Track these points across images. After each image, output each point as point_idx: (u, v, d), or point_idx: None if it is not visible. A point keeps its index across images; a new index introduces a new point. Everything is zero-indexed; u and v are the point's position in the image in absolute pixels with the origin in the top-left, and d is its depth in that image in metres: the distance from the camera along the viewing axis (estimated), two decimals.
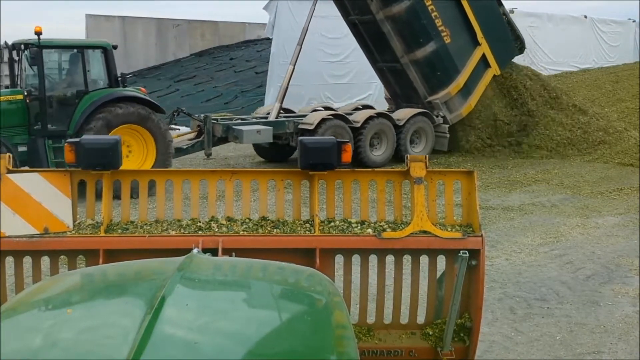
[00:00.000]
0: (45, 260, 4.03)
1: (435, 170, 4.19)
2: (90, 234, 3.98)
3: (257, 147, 15.27)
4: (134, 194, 4.29)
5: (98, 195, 4.13)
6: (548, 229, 9.68)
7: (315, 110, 15.16)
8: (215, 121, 13.69)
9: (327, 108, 15.62)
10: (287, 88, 14.71)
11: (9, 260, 4.00)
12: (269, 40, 21.77)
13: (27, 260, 4.03)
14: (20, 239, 3.86)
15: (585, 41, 30.26)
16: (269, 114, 14.78)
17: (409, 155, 4.19)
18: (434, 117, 15.27)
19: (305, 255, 3.86)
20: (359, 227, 4.12)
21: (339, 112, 14.70)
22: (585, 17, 30.65)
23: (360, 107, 16.16)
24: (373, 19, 14.77)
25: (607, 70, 27.73)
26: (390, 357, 4.12)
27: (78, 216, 4.11)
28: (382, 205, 4.25)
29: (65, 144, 3.95)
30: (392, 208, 4.37)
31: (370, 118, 14.45)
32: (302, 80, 19.81)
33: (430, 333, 4.12)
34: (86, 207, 4.14)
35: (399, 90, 16.32)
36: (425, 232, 3.98)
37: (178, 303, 2.20)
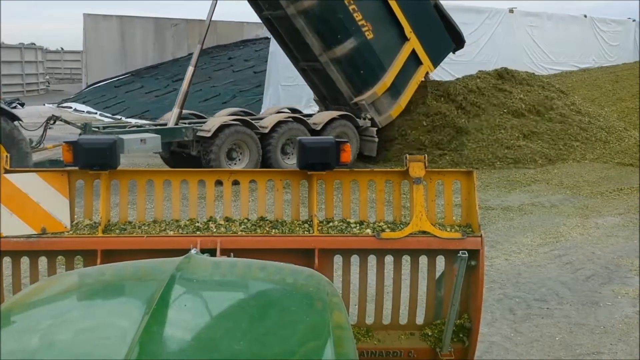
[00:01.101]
0: (42, 261, 4.02)
1: (434, 170, 4.19)
2: (88, 234, 3.97)
3: (163, 156, 13.85)
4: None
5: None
6: (548, 229, 9.68)
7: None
8: (97, 129, 12.37)
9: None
10: (187, 92, 13.40)
11: (7, 261, 3.98)
12: (267, 39, 21.79)
13: (25, 261, 4.01)
14: (17, 239, 3.84)
15: (585, 40, 30.28)
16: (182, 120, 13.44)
17: (408, 155, 4.18)
18: (359, 120, 14.25)
19: (303, 256, 3.85)
20: (357, 228, 4.11)
21: (245, 118, 13.33)
22: (585, 16, 30.66)
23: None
24: (285, 14, 13.63)
25: (607, 69, 27.76)
26: (389, 358, 4.11)
27: (76, 216, 4.10)
28: (381, 205, 4.24)
29: (63, 144, 3.94)
30: (391, 208, 4.36)
31: (280, 123, 13.27)
32: (300, 80, 19.79)
33: (430, 334, 4.12)
34: (84, 207, 4.13)
35: (325, 91, 15.24)
36: (424, 232, 3.97)
37: (176, 303, 2.19)
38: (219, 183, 4.28)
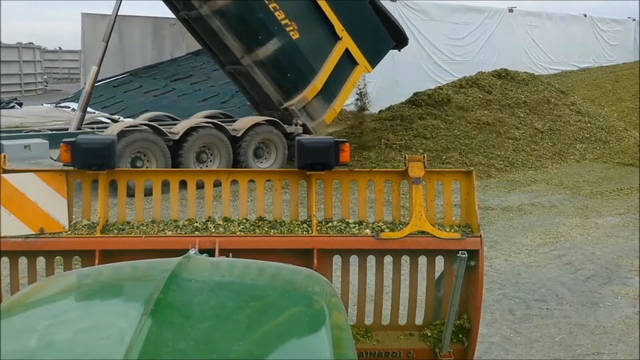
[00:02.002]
0: (40, 261, 4.01)
1: (433, 170, 4.18)
2: (86, 234, 3.96)
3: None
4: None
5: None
6: (547, 229, 9.66)
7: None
8: None
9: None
10: (90, 93, 12.49)
11: (4, 261, 3.98)
12: None
13: (23, 261, 4.00)
14: (15, 239, 3.83)
15: (584, 40, 30.33)
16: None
17: (407, 155, 4.17)
18: (289, 126, 13.29)
19: (302, 256, 3.85)
20: (356, 228, 4.10)
21: (153, 124, 12.27)
22: (585, 15, 30.69)
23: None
24: (200, 15, 12.62)
25: (607, 69, 27.81)
26: (389, 359, 4.10)
27: (74, 216, 4.09)
28: (380, 205, 4.23)
29: (61, 144, 3.94)
30: (390, 208, 4.35)
31: (192, 130, 12.22)
32: None
33: (429, 334, 4.11)
34: (82, 207, 4.12)
35: (257, 96, 14.26)
36: (423, 232, 3.96)
37: (174, 304, 2.19)
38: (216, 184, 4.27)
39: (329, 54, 13.26)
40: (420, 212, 3.97)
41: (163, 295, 2.17)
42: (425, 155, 4.33)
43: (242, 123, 13.01)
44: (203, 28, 13.16)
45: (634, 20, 33.16)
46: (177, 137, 11.98)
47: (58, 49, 48.50)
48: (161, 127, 12.04)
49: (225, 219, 4.17)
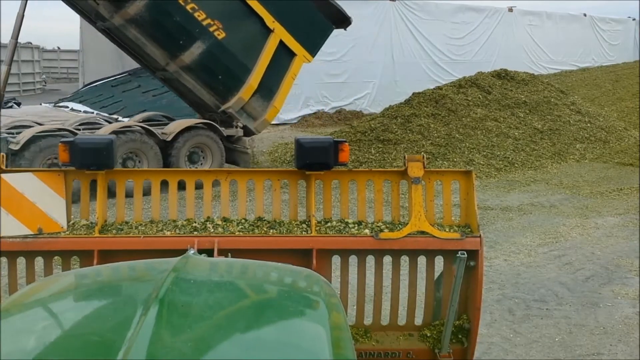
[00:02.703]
0: (39, 261, 4.00)
1: (433, 170, 4.17)
2: (85, 234, 3.95)
3: None
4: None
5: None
6: (547, 229, 9.66)
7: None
8: None
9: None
10: (2, 95, 11.42)
11: (3, 261, 3.97)
12: None
13: (21, 261, 3.99)
14: (14, 239, 3.82)
15: (584, 40, 30.38)
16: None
17: (406, 155, 4.16)
18: (230, 128, 12.72)
19: (301, 256, 3.84)
20: (356, 228, 4.09)
21: (67, 127, 11.63)
22: (585, 15, 30.71)
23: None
24: (114, 25, 11.74)
25: (607, 69, 27.83)
26: (388, 359, 4.09)
27: (72, 216, 4.08)
28: (380, 205, 4.22)
29: (60, 144, 3.92)
30: (389, 208, 4.34)
31: (120, 133, 11.41)
32: (298, 79, 19.74)
33: (428, 334, 4.10)
34: (80, 207, 4.11)
35: (194, 100, 13.43)
36: (423, 232, 3.95)
37: (173, 304, 2.18)
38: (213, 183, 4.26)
39: (262, 49, 12.41)
40: (420, 212, 3.96)
41: (162, 296, 2.17)
42: (425, 155, 4.31)
43: (173, 126, 12.39)
44: (122, 38, 12.30)
45: (634, 19, 33.19)
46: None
47: (57, 48, 48.47)
48: (92, 131, 11.29)
49: (224, 219, 4.15)
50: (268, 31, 12.37)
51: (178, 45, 11.85)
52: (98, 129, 12.17)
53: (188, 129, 12.28)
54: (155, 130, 12.06)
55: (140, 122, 12.72)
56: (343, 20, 13.50)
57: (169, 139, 12.10)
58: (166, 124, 12.64)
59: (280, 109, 13.32)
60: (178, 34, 11.77)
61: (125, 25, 11.57)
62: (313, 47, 13.15)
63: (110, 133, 11.10)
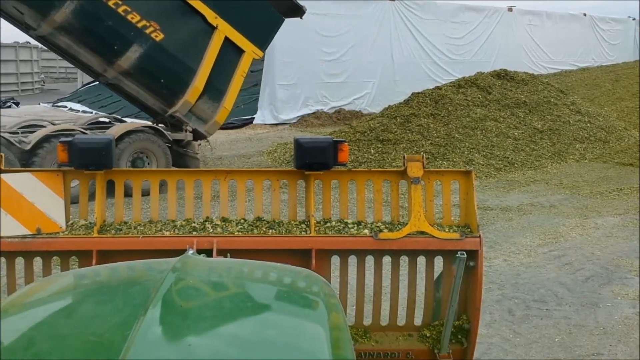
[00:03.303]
0: (37, 261, 4.00)
1: (432, 170, 4.16)
2: (84, 234, 3.94)
3: None
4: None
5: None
6: (547, 229, 9.65)
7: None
8: None
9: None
10: None
11: (1, 262, 3.96)
12: None
13: (20, 262, 3.99)
14: (12, 239, 3.82)
15: (584, 39, 30.39)
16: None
17: (406, 155, 4.15)
18: (171, 133, 12.05)
19: (301, 256, 3.83)
20: (355, 228, 4.08)
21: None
22: (585, 15, 30.71)
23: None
24: (43, 34, 11.12)
25: (607, 68, 27.83)
26: (387, 359, 4.08)
27: (71, 216, 4.07)
28: (379, 205, 4.21)
29: (58, 144, 3.92)
30: (389, 208, 4.33)
31: (46, 139, 10.82)
32: (298, 79, 19.75)
33: (428, 335, 4.09)
34: (79, 207, 4.10)
35: (141, 104, 12.79)
36: (422, 232, 3.95)
37: (172, 304, 2.19)
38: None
39: (206, 49, 11.73)
40: (419, 212, 3.96)
41: (160, 296, 2.17)
42: (424, 155, 4.31)
43: (114, 130, 11.71)
44: (56, 45, 11.58)
45: (634, 19, 33.20)
46: (28, 147, 10.74)
47: None
48: (10, 136, 10.80)
49: (223, 219, 4.15)
50: (211, 28, 11.74)
51: (113, 50, 11.24)
52: (108, 128, 12.04)
53: (128, 133, 11.59)
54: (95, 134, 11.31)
55: (88, 124, 12.26)
56: (295, 10, 12.90)
57: None
58: (110, 127, 12.12)
59: (230, 110, 12.62)
60: (112, 39, 11.17)
61: (54, 34, 11.03)
62: (262, 42, 12.49)
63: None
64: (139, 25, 11.13)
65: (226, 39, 11.84)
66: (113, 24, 11.00)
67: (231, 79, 12.14)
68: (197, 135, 12.41)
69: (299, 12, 12.95)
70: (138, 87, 11.73)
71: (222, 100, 12.15)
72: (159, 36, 11.31)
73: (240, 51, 12.11)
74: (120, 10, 10.95)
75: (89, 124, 12.36)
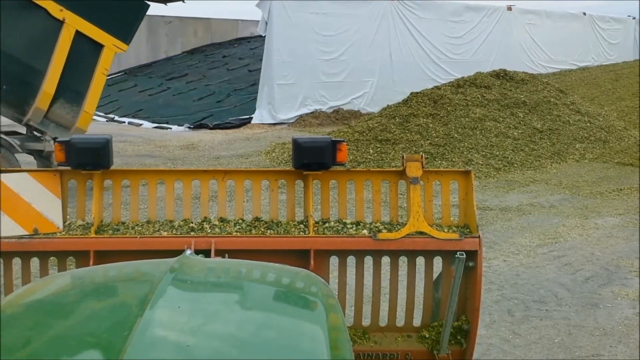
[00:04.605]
0: (34, 262, 3.98)
1: (431, 170, 4.16)
2: (81, 234, 3.93)
3: None
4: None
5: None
6: (546, 229, 9.64)
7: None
8: None
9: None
10: None
11: None
12: (262, 37, 21.72)
13: (16, 262, 3.97)
14: (9, 240, 3.81)
15: (584, 39, 30.38)
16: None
17: (405, 155, 4.13)
18: (32, 142, 10.68)
19: (299, 257, 3.82)
20: (354, 228, 4.08)
21: None
22: (584, 14, 30.72)
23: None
24: None
25: (607, 68, 27.81)
26: None
27: (68, 217, 4.06)
28: (378, 205, 4.20)
29: (55, 143, 3.91)
30: (387, 208, 4.32)
31: None
32: (297, 79, 19.71)
33: (427, 336, 4.08)
34: (76, 207, 4.09)
35: None
36: (421, 233, 3.94)
37: (170, 305, 2.19)
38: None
39: (54, 47, 10.22)
40: (418, 213, 3.94)
41: (158, 296, 2.17)
42: (423, 155, 4.29)
43: None
44: None
45: (633, 18, 33.20)
46: None
47: None
48: None
49: (221, 219, 4.14)
50: (58, 23, 10.21)
51: None
52: None
53: None
54: None
55: None
56: None
57: None
58: None
59: (93, 114, 11.11)
60: None
61: None
62: (125, 33, 10.91)
63: None
64: None
65: (78, 33, 10.35)
66: None
67: (91, 79, 10.66)
68: None
69: None
70: None
71: (82, 104, 10.65)
72: None
73: (98, 46, 10.60)
74: None
75: None
